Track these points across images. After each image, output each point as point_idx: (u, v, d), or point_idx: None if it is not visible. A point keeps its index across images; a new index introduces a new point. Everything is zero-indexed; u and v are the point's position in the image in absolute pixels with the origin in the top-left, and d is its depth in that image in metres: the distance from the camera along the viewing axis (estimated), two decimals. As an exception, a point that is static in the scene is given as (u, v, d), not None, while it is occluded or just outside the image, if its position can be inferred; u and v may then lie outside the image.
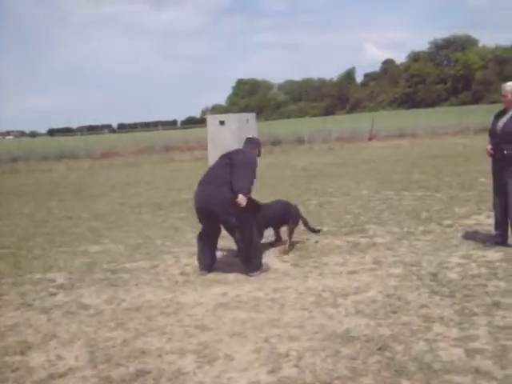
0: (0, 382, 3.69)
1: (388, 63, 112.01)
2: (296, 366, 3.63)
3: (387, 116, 53.41)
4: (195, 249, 6.93)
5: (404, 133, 30.26)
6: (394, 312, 4.48)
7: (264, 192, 11.13)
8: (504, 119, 6.22)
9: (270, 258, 6.53)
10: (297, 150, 25.84)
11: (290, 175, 15.53)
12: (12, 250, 7.79)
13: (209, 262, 6.21)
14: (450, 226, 7.61)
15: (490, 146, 6.34)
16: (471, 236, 6.93)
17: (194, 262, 6.50)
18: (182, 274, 6.12)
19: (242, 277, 5.85)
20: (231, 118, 19.49)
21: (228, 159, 6.11)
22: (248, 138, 6.84)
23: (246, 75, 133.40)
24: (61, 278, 6.21)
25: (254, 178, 5.98)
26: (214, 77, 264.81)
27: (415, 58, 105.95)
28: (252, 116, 20.78)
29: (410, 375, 3.38)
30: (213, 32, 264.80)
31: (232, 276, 5.92)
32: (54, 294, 5.67)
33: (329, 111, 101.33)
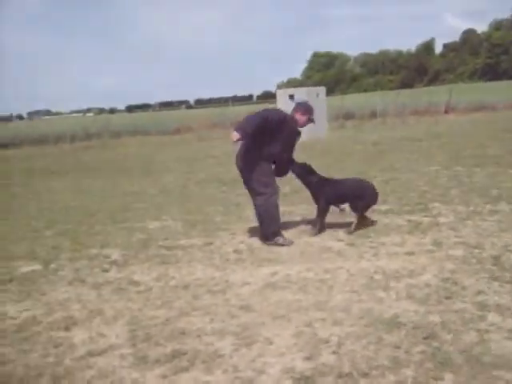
0: (41, 356, 3.75)
1: (468, 33, 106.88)
2: (335, 352, 3.48)
3: (467, 88, 51.11)
4: (252, 225, 6.94)
5: (483, 105, 28.88)
6: (448, 298, 4.22)
7: (331, 167, 11.01)
8: None
9: (325, 235, 6.35)
10: (369, 124, 25.18)
11: (360, 150, 15.11)
12: (74, 225, 7.98)
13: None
14: (520, 205, 7.14)
15: None
16: (543, 216, 6.47)
17: (249, 239, 6.45)
18: (235, 251, 6.05)
19: (295, 255, 5.72)
20: (300, 92, 19.25)
21: None
22: (296, 103, 6.69)
23: (323, 48, 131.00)
24: (115, 254, 6.29)
25: (258, 124, 5.83)
26: (290, 50, 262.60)
27: (497, 26, 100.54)
28: (322, 90, 20.46)
29: (456, 368, 3.15)
30: (289, 4, 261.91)
31: (285, 254, 5.80)
32: (107, 270, 5.74)
33: (406, 84, 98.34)
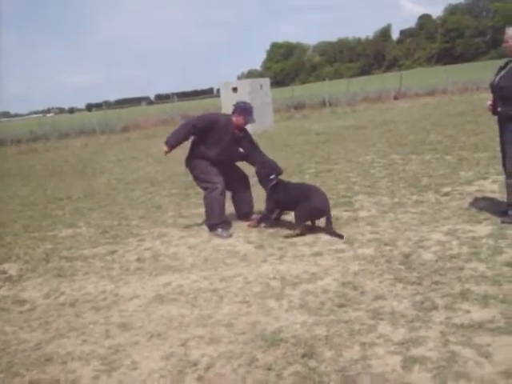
0: None
1: (424, 18, 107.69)
2: (200, 378, 3.09)
3: (422, 73, 51.50)
4: (167, 230, 6.61)
5: (434, 90, 28.93)
6: (342, 306, 3.85)
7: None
8: (502, 72, 5.44)
9: (236, 238, 5.97)
10: (318, 114, 24.90)
11: (301, 141, 14.77)
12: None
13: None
14: (447, 194, 6.86)
15: (489, 102, 5.59)
16: (466, 206, 6.20)
17: (157, 245, 6.05)
18: (137, 260, 5.62)
19: (198, 262, 5.31)
20: (243, 84, 18.84)
21: None
22: (234, 105, 6.56)
23: (281, 39, 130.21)
24: (13, 269, 5.82)
25: (184, 134, 6.32)
26: (249, 42, 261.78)
27: (452, 11, 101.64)
28: (266, 81, 20.09)
29: (325, 393, 2.78)
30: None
31: (189, 261, 5.39)
32: (-4, 289, 5.27)
33: (365, 71, 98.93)
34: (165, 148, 6.25)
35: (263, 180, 6.31)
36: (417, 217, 6.00)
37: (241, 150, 6.43)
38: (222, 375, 3.08)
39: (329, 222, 5.78)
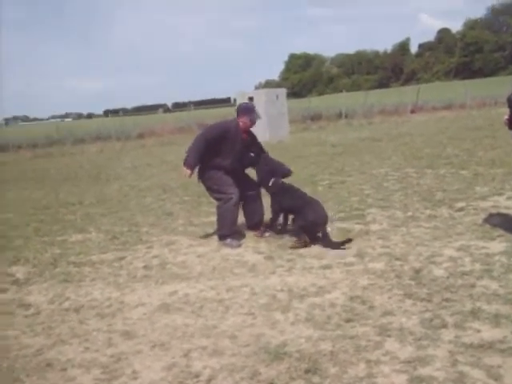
0: None
1: (443, 32, 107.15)
2: (200, 391, 3.02)
3: (440, 87, 51.16)
4: (176, 238, 6.58)
5: (452, 104, 28.72)
6: (349, 321, 3.76)
7: None
8: None
9: (245, 248, 5.91)
10: (334, 126, 24.81)
11: (316, 152, 14.70)
12: (-5, 239, 7.46)
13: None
14: (461, 209, 6.75)
15: (506, 116, 5.49)
16: (480, 222, 6.08)
17: (165, 252, 6.01)
18: (144, 267, 5.58)
19: (206, 271, 5.25)
20: (259, 94, 18.83)
21: None
22: (236, 109, 6.49)
23: (300, 50, 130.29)
24: (21, 272, 5.80)
25: (200, 149, 6.11)
26: (268, 52, 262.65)
27: (472, 25, 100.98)
28: (282, 92, 20.05)
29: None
30: (266, 6, 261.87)
31: (197, 269, 5.33)
32: (4, 291, 5.26)
33: (383, 84, 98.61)
34: (187, 171, 6.06)
35: (264, 181, 6.26)
36: (429, 232, 5.89)
37: (251, 154, 6.35)
38: (223, 388, 3.01)
39: (325, 236, 5.73)
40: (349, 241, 5.56)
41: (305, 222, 5.78)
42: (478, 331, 3.43)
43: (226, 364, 3.30)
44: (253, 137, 6.50)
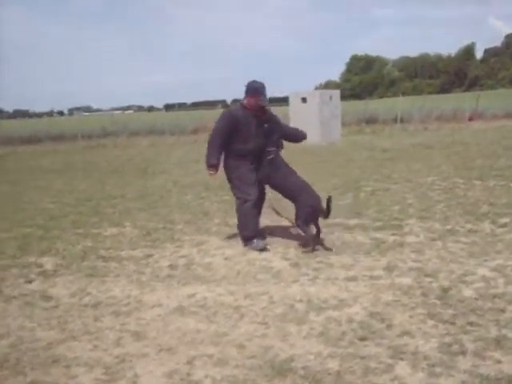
0: None
1: (511, 37, 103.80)
2: (196, 403, 2.92)
3: (504, 94, 49.37)
4: (207, 238, 6.53)
5: (513, 113, 27.66)
6: (363, 339, 3.59)
7: (326, 173, 10.58)
8: None
9: (273, 253, 5.78)
10: (389, 130, 24.29)
11: (365, 157, 14.39)
12: (34, 229, 7.60)
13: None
14: (504, 225, 6.42)
15: None
16: (524, 240, 5.76)
17: (193, 253, 5.96)
18: (169, 266, 5.54)
19: (230, 275, 5.16)
20: (313, 95, 18.62)
21: None
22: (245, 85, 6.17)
23: (361, 51, 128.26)
24: (49, 264, 5.87)
25: (218, 145, 6.00)
26: (329, 53, 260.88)
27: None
28: (336, 93, 19.76)
29: None
30: (327, 6, 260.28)
31: (221, 273, 5.25)
32: (30, 281, 5.34)
33: (445, 89, 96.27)
34: (210, 171, 6.00)
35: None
36: (466, 247, 5.62)
37: (265, 125, 6.06)
38: (219, 402, 2.91)
39: (317, 230, 5.86)
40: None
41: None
42: (499, 362, 3.20)
43: (227, 375, 3.20)
44: (270, 114, 6.13)
